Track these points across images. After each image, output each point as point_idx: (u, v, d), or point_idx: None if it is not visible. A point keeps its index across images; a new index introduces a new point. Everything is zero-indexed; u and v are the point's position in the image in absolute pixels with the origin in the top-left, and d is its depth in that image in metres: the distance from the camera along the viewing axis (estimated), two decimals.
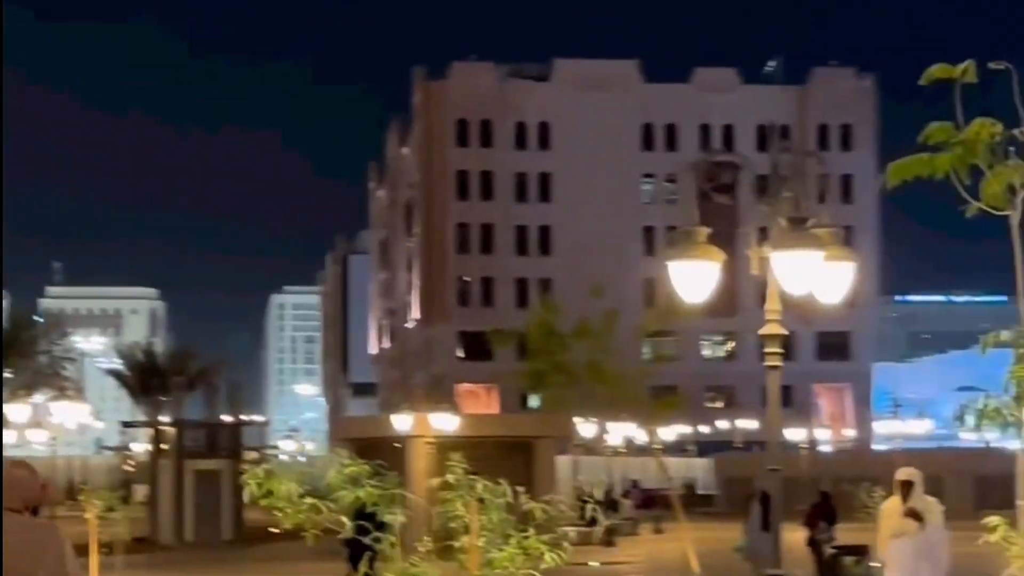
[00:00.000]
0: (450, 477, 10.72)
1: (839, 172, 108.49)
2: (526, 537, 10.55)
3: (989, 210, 11.08)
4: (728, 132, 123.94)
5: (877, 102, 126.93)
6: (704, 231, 14.80)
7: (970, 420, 11.08)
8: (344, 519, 10.89)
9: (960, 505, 38.27)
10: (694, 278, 14.73)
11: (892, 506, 17.12)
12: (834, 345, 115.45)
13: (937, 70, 11.24)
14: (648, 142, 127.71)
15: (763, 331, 14.76)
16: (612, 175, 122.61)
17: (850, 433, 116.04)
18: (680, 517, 26.63)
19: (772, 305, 14.72)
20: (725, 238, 15.80)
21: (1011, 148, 10.98)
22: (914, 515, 16.76)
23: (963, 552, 16.70)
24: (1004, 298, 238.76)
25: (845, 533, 32.87)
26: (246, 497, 11.81)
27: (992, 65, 11.19)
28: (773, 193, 14.91)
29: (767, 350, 14.68)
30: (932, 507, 17.09)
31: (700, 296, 14.76)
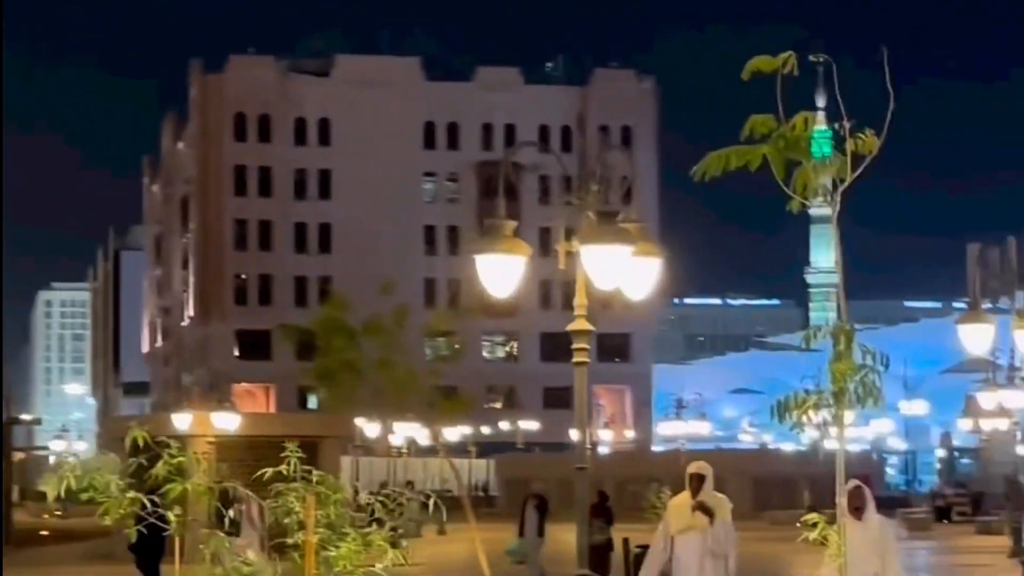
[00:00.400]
0: (283, 469, 10.34)
1: (620, 173, 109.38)
2: (367, 533, 10.23)
3: (806, 204, 11.02)
4: (510, 132, 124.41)
5: (657, 104, 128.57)
6: (511, 224, 14.61)
7: (785, 418, 10.95)
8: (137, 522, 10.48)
9: (740, 506, 38.69)
10: (502, 272, 14.54)
11: (681, 500, 17.11)
12: (614, 347, 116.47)
13: (758, 61, 11.14)
14: (430, 141, 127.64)
15: (572, 327, 14.64)
16: (393, 173, 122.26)
17: (630, 434, 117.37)
18: (471, 519, 26.41)
19: (580, 300, 14.61)
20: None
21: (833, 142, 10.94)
22: (703, 509, 16.77)
23: (747, 552, 16.83)
24: (777, 301, 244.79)
25: (633, 534, 32.98)
26: (15, 497, 11.34)
27: (812, 58, 11.16)
28: (579, 189, 14.80)
29: (575, 346, 14.56)
30: (722, 503, 17.14)
31: (507, 290, 14.60)
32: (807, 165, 10.86)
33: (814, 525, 11.67)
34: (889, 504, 57.44)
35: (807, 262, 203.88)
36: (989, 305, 78.48)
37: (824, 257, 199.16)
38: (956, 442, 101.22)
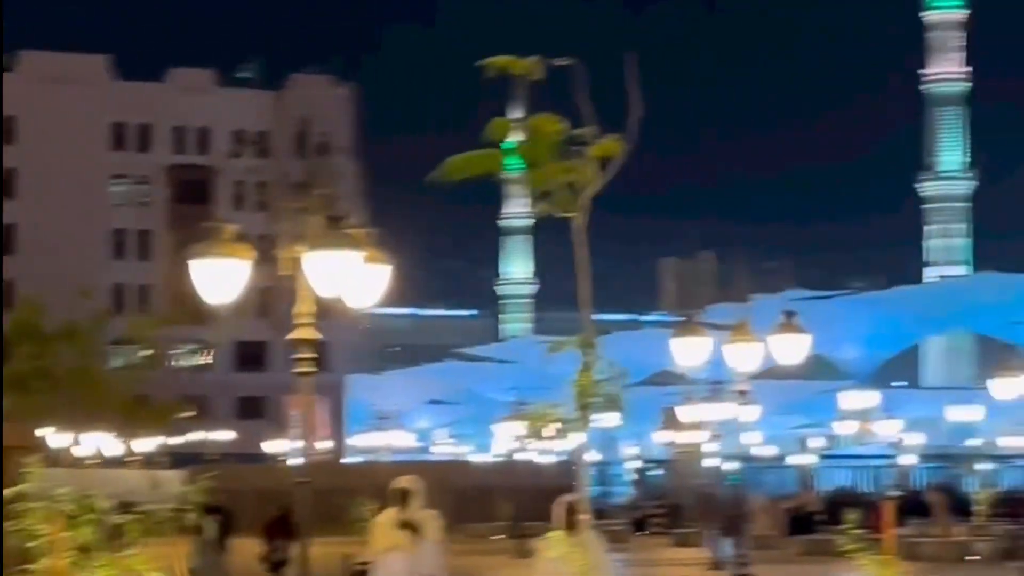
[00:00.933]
0: (28, 487, 9.61)
1: (330, 179, 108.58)
2: (124, 556, 9.56)
3: (555, 212, 10.80)
4: (204, 135, 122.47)
5: (355, 110, 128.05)
6: (232, 228, 14.15)
7: (529, 429, 10.73)
8: None
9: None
10: (223, 277, 14.05)
11: (387, 517, 16.71)
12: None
13: (500, 61, 10.85)
14: (119, 142, 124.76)
15: (294, 335, 14.24)
16: (81, 174, 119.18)
17: (325, 444, 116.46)
18: (172, 533, 25.65)
19: (304, 308, 14.22)
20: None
21: (577, 148, 10.70)
22: (409, 527, 16.42)
23: (449, 566, 16.58)
24: (475, 312, 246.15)
25: (336, 547, 32.47)
26: None
27: (558, 62, 10.93)
28: (303, 193, 14.41)
29: (299, 356, 14.17)
30: (429, 521, 16.79)
31: (228, 296, 14.11)
32: (546, 169, 10.62)
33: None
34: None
35: (496, 272, 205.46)
36: (683, 318, 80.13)
37: (516, 268, 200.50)
38: (647, 454, 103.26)
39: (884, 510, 51.64)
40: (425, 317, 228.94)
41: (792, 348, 24.13)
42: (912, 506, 51.82)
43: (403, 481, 16.77)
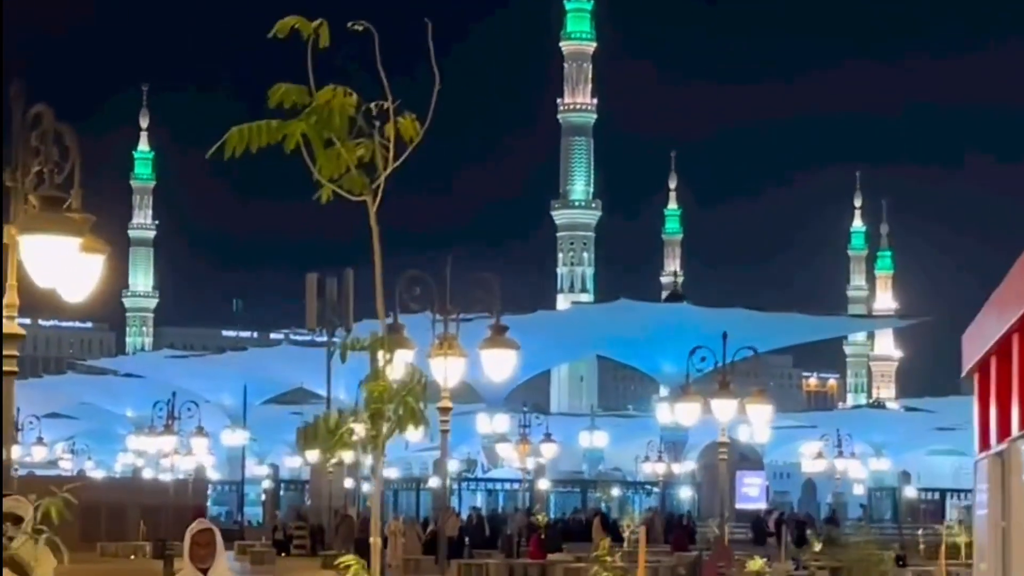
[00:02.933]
0: None
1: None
2: None
3: (345, 194, 9.66)
4: None
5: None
6: None
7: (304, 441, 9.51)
8: None
9: (69, 537, 36.47)
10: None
11: None
12: None
13: (290, 20, 9.68)
14: None
15: (4, 329, 12.64)
16: None
17: None
18: None
19: (12, 299, 12.66)
20: None
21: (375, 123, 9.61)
22: (15, 567, 14.48)
23: None
24: (89, 324, 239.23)
25: None
26: None
27: (352, 25, 9.80)
28: (17, 166, 12.79)
29: (6, 352, 12.59)
30: (40, 554, 14.75)
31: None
32: (337, 147, 9.52)
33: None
34: (227, 537, 56.27)
35: (125, 284, 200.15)
36: (324, 338, 79.13)
37: (141, 280, 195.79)
38: (279, 474, 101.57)
39: (534, 536, 51.28)
40: (42, 327, 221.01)
41: (451, 369, 23.35)
42: (567, 531, 51.91)
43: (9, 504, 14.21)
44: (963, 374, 10.01)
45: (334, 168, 9.50)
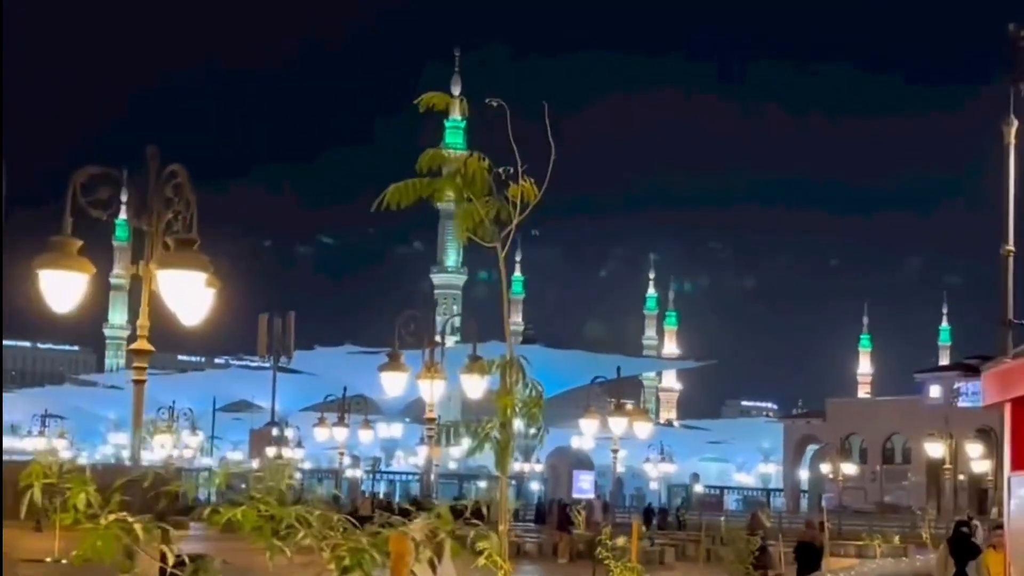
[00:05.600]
0: None
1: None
2: None
3: (479, 241, 8.86)
4: None
5: None
6: (76, 242, 11.16)
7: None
8: None
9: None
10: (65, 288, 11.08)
11: None
12: None
13: (432, 97, 8.92)
14: None
15: (134, 347, 11.32)
16: None
17: None
18: None
19: (144, 322, 11.32)
20: None
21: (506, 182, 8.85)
22: None
23: None
24: (76, 348, 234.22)
25: None
26: None
27: (489, 102, 8.97)
28: (153, 213, 11.50)
29: (136, 365, 11.28)
30: None
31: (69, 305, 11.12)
32: (476, 204, 8.73)
33: None
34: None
35: (105, 318, 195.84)
36: (268, 364, 76.67)
37: (118, 316, 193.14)
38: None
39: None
40: (39, 349, 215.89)
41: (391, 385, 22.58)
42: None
43: None
44: (984, 404, 9.18)
45: (470, 221, 8.80)
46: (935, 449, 54.03)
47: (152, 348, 11.33)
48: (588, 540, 28.34)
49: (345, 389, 51.06)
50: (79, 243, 11.10)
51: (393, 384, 19.68)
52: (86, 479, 6.22)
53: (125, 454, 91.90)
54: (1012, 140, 24.50)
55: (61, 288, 11.03)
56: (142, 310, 11.23)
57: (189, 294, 10.98)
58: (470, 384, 17.80)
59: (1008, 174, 24.24)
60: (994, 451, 65.40)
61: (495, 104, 8.69)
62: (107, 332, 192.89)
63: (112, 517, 5.91)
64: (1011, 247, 24.06)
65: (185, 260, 10.90)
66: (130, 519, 5.85)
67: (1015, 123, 24.37)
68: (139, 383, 11.26)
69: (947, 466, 51.71)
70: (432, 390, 19.80)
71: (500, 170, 8.62)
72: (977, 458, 53.33)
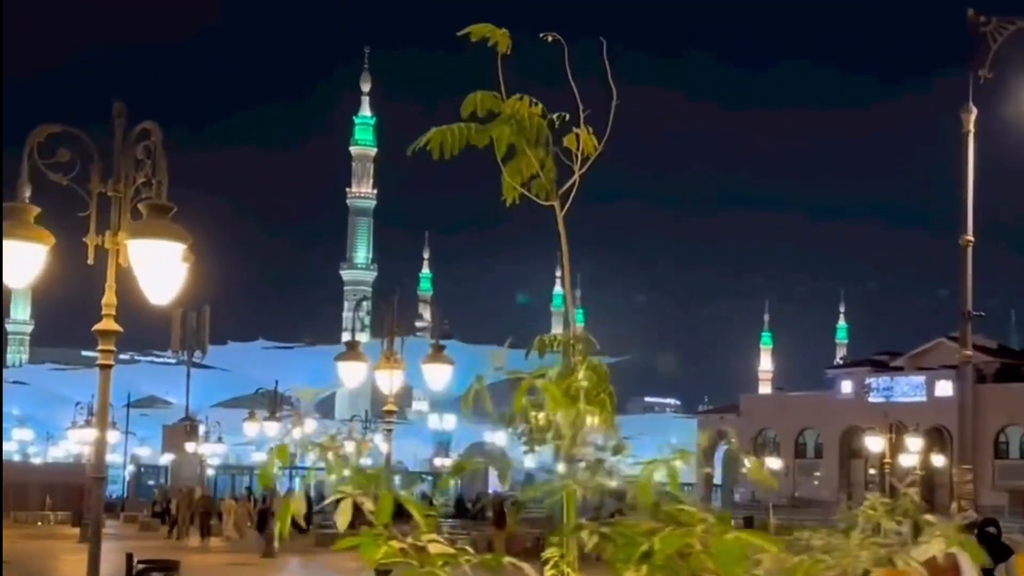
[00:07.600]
0: None
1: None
2: None
3: (533, 197, 7.22)
4: None
5: None
6: (33, 209, 9.64)
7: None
8: None
9: None
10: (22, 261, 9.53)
11: None
12: None
13: (480, 28, 7.28)
14: None
15: (99, 326, 9.81)
16: None
17: None
18: None
19: (111, 299, 9.83)
20: None
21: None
22: None
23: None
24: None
25: None
26: None
27: (544, 36, 7.44)
28: (120, 177, 10.01)
29: (102, 347, 9.78)
30: None
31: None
32: (532, 154, 7.15)
33: None
34: (110, 508, 52.67)
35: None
36: (184, 357, 74.61)
37: (20, 311, 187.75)
38: (151, 461, 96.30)
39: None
40: None
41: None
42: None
43: None
44: None
45: (520, 174, 7.21)
46: (875, 443, 54.65)
47: (119, 328, 9.86)
48: (535, 537, 27.10)
49: (277, 383, 49.30)
50: (36, 210, 9.62)
51: (351, 375, 18.32)
52: None
53: (32, 451, 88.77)
54: (971, 128, 23.75)
55: (16, 261, 9.53)
56: (108, 286, 9.76)
57: (164, 268, 9.55)
58: (433, 375, 16.46)
59: (967, 162, 23.51)
60: (949, 448, 65.61)
61: (550, 39, 7.35)
62: (9, 327, 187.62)
63: None
64: (970, 236, 23.34)
65: (160, 229, 9.47)
66: None
67: (974, 111, 23.61)
68: (106, 368, 9.79)
69: (887, 460, 52.06)
70: (392, 381, 18.47)
71: (555, 116, 7.26)
72: (915, 452, 54.08)
